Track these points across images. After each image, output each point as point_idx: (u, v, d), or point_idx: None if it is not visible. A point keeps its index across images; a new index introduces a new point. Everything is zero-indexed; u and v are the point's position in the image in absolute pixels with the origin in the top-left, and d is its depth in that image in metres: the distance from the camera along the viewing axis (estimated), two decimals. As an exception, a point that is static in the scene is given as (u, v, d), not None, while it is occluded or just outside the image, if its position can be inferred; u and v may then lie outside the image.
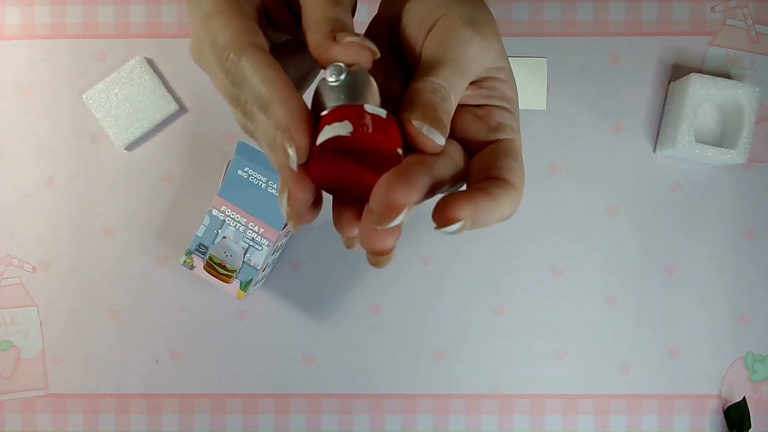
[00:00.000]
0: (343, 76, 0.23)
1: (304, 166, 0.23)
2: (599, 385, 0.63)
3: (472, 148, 0.26)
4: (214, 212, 0.55)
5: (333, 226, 0.63)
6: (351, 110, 0.22)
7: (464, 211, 0.21)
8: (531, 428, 0.63)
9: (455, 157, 0.24)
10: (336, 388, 0.63)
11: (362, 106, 0.22)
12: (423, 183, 0.21)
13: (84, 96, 0.63)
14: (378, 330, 0.64)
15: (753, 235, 0.63)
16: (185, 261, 0.55)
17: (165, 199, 0.64)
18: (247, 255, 0.55)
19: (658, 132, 0.64)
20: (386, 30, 0.28)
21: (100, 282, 0.64)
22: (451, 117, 0.23)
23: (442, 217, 0.21)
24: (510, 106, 0.27)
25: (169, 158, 0.64)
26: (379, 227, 0.20)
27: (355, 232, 0.24)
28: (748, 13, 0.63)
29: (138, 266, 0.64)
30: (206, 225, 0.55)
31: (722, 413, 0.63)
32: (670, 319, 0.63)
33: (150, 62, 0.64)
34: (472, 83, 0.27)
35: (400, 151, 0.23)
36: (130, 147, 0.64)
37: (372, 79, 0.24)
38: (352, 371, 0.63)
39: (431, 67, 0.24)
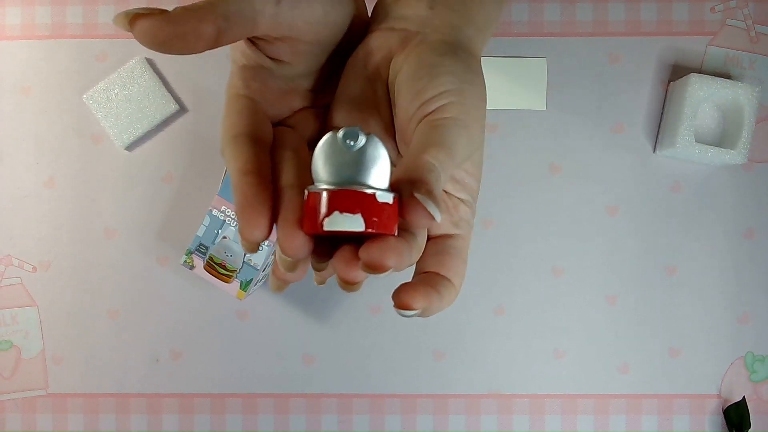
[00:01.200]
0: (362, 142, 0.22)
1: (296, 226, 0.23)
2: (599, 384, 0.63)
3: (430, 232, 0.28)
4: (215, 212, 0.55)
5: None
6: (364, 201, 0.22)
7: (420, 303, 0.24)
8: (531, 428, 0.63)
9: (420, 246, 0.26)
10: (336, 388, 0.63)
11: (374, 196, 0.22)
12: (407, 254, 0.23)
13: (84, 96, 0.63)
14: (378, 330, 0.64)
15: (753, 235, 0.63)
16: (185, 261, 0.56)
17: (165, 199, 0.64)
18: (248, 255, 0.55)
19: (658, 132, 0.64)
20: (374, 66, 0.28)
21: (101, 282, 0.64)
22: None
23: (402, 303, 0.24)
24: (472, 200, 0.29)
25: (169, 158, 0.64)
26: (362, 271, 0.22)
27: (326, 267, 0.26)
28: (747, 13, 0.63)
29: (138, 266, 0.64)
30: (206, 225, 0.55)
31: (722, 413, 0.63)
32: (669, 319, 0.63)
33: (150, 62, 0.64)
34: None
35: (395, 232, 0.23)
36: (130, 147, 0.64)
37: (386, 151, 0.23)
38: (352, 371, 0.63)
39: (428, 147, 0.24)
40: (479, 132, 0.27)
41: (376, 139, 0.23)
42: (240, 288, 0.55)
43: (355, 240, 0.23)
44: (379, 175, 0.22)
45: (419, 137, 0.25)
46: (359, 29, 0.30)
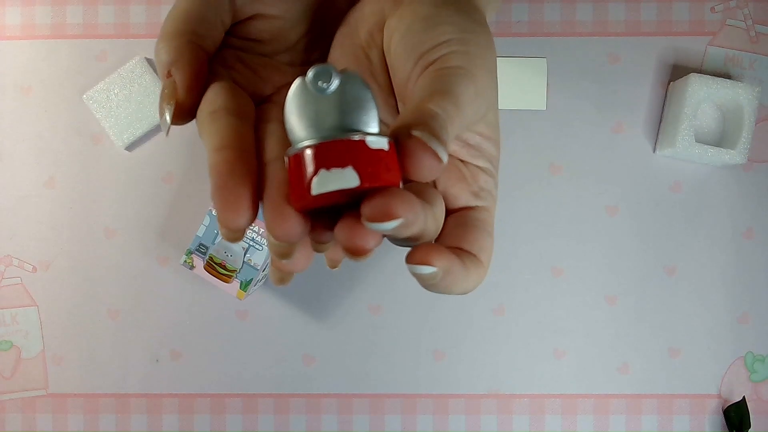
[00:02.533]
0: (335, 82, 0.19)
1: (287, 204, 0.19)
2: (599, 384, 0.63)
3: (449, 205, 0.25)
4: (215, 212, 0.55)
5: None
6: (352, 149, 0.18)
7: (441, 261, 0.21)
8: (530, 428, 0.63)
9: (438, 215, 0.23)
10: (336, 388, 0.63)
11: (364, 142, 0.18)
12: (420, 208, 0.20)
13: (84, 96, 0.63)
14: (378, 330, 0.64)
15: (752, 234, 0.63)
16: (185, 261, 0.56)
17: (165, 199, 0.64)
18: (248, 255, 0.55)
19: (658, 132, 0.64)
20: (368, 31, 0.26)
21: (101, 282, 0.64)
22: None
23: (418, 257, 0.21)
24: (493, 168, 0.26)
25: (169, 158, 0.64)
26: (368, 226, 0.19)
27: (328, 237, 0.22)
28: (747, 13, 0.63)
29: (138, 266, 0.64)
30: (206, 225, 0.55)
31: (722, 413, 0.63)
32: (669, 319, 0.63)
33: (150, 62, 0.64)
34: (458, 139, 0.25)
35: (401, 184, 0.19)
36: (130, 147, 0.64)
37: (369, 87, 0.19)
38: (352, 371, 0.63)
39: (430, 96, 0.21)
40: (489, 86, 0.23)
41: (355, 75, 0.19)
42: (240, 288, 0.55)
43: (357, 207, 0.18)
44: (366, 118, 0.19)
45: (419, 89, 0.22)
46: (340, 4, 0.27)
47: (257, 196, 0.20)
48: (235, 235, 0.21)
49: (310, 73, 0.19)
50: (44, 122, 0.64)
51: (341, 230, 0.19)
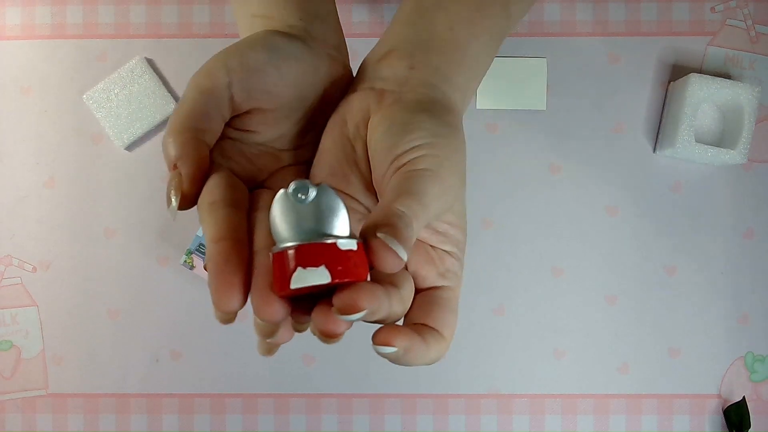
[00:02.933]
0: (312, 194, 0.22)
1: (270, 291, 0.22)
2: (599, 384, 0.63)
3: (418, 285, 0.28)
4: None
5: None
6: (325, 251, 0.21)
7: (401, 341, 0.24)
8: (530, 428, 0.63)
9: (406, 296, 0.26)
10: (336, 388, 0.63)
11: (335, 245, 0.21)
12: (384, 297, 0.23)
13: (84, 96, 0.63)
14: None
15: (752, 234, 0.63)
16: (186, 261, 0.56)
17: (165, 198, 0.64)
18: (248, 255, 0.55)
19: (658, 132, 0.64)
20: (347, 132, 0.29)
21: (101, 282, 0.64)
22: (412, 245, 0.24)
23: (381, 339, 0.24)
24: (459, 252, 0.29)
25: (169, 158, 0.64)
26: (338, 317, 0.22)
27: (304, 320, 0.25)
28: (747, 13, 0.63)
29: (138, 266, 0.64)
30: (206, 225, 0.55)
31: (722, 413, 0.63)
32: (669, 319, 0.63)
33: (150, 62, 0.64)
34: (428, 227, 0.28)
35: (368, 278, 0.23)
36: (130, 147, 0.64)
37: (340, 198, 0.23)
38: (352, 371, 0.63)
39: (398, 196, 0.24)
40: (455, 182, 0.26)
41: (328, 188, 0.22)
42: (240, 288, 0.55)
43: (331, 295, 0.22)
44: (338, 223, 0.22)
45: (390, 189, 0.25)
46: (341, 85, 0.31)
47: (248, 284, 0.23)
48: (229, 317, 0.24)
49: (291, 187, 0.22)
50: (44, 122, 0.64)
51: (317, 317, 0.22)
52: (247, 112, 0.28)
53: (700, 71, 0.63)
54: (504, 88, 0.63)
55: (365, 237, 0.22)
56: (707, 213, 0.63)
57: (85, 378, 0.64)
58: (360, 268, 0.22)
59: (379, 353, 0.24)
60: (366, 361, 0.63)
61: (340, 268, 0.21)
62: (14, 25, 0.64)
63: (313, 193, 0.22)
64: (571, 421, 0.63)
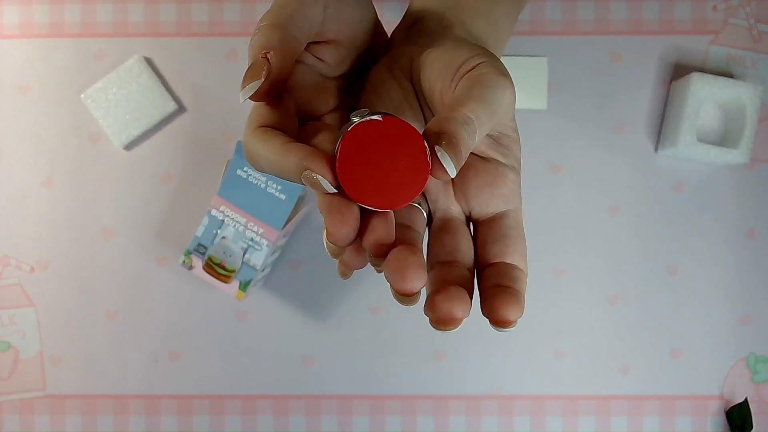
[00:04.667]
0: (373, 117, 0.24)
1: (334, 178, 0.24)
2: (600, 385, 0.63)
3: (481, 211, 0.28)
4: (213, 212, 0.55)
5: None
6: (379, 115, 0.24)
7: (518, 313, 0.25)
8: (532, 429, 0.63)
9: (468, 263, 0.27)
10: (336, 389, 0.63)
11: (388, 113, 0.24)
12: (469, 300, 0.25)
13: (82, 95, 0.63)
14: (378, 331, 0.63)
15: (755, 234, 0.63)
16: (184, 261, 0.55)
17: (164, 198, 0.64)
18: (247, 255, 0.55)
19: (660, 131, 0.63)
20: (406, 67, 0.30)
21: (99, 282, 0.63)
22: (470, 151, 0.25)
23: (501, 320, 0.25)
24: (518, 167, 0.29)
25: (167, 158, 0.64)
26: (405, 302, 0.24)
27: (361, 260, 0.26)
28: (750, 12, 0.63)
29: (137, 266, 0.63)
30: (205, 225, 0.55)
31: (724, 414, 0.62)
32: (671, 320, 0.63)
33: (149, 61, 0.63)
34: (490, 136, 0.28)
35: (426, 144, 0.24)
36: (128, 146, 0.64)
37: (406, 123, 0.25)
38: (352, 372, 0.63)
39: (464, 101, 0.24)
40: (512, 97, 0.27)
41: (393, 116, 0.24)
42: (239, 288, 0.55)
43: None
44: None
45: (458, 93, 0.25)
46: (381, 42, 0.32)
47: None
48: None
49: (360, 112, 0.24)
50: (42, 121, 0.64)
51: (393, 266, 0.24)
52: (327, 42, 0.28)
53: (702, 70, 0.63)
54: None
55: (427, 139, 0.23)
56: (709, 213, 0.63)
57: (83, 379, 0.63)
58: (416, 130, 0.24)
59: (500, 331, 0.25)
60: (366, 361, 0.63)
61: (391, 116, 0.24)
62: (12, 24, 0.63)
63: (373, 116, 0.24)
64: (573, 422, 0.63)
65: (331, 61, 0.29)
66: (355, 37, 0.29)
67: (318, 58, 0.29)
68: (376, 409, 0.63)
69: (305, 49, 0.28)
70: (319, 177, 0.23)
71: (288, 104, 0.27)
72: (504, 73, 0.26)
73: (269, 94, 0.25)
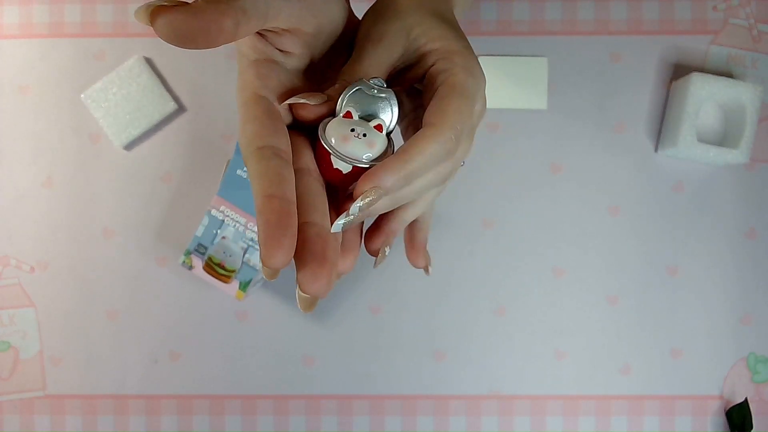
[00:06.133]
0: (384, 93, 0.28)
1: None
2: (600, 385, 0.63)
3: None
4: (213, 212, 0.55)
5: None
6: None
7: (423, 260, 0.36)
8: (532, 429, 0.63)
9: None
10: (336, 389, 0.63)
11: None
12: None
13: (82, 95, 0.63)
14: (378, 330, 0.63)
15: (755, 234, 0.63)
16: (184, 261, 0.55)
17: (164, 198, 0.64)
18: (247, 255, 0.55)
19: (660, 131, 0.63)
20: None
21: (99, 282, 0.63)
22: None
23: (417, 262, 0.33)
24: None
25: (168, 158, 0.63)
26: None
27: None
28: (750, 12, 0.63)
29: (137, 266, 0.63)
30: (205, 225, 0.55)
31: (724, 414, 0.62)
32: (671, 320, 0.63)
33: (149, 61, 0.63)
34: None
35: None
36: (128, 146, 0.64)
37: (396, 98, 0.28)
38: (352, 372, 0.63)
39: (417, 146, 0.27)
40: (481, 105, 0.31)
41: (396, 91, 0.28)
42: (239, 288, 0.55)
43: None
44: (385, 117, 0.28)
45: (429, 117, 0.28)
46: (350, 32, 0.32)
47: (293, 244, 0.24)
48: (275, 273, 0.26)
49: (371, 80, 0.28)
50: (42, 121, 0.64)
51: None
52: (288, 30, 0.28)
53: (702, 70, 0.63)
54: (505, 88, 0.63)
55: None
56: (709, 213, 0.63)
57: (83, 379, 0.63)
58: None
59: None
60: (366, 362, 0.63)
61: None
62: (12, 23, 0.63)
63: (385, 91, 0.28)
64: (573, 422, 0.63)
65: (297, 52, 0.29)
66: (320, 25, 0.29)
67: (282, 50, 0.29)
68: (376, 409, 0.63)
69: (271, 42, 0.28)
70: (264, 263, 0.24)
71: (275, 115, 0.27)
72: (472, 77, 0.29)
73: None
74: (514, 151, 0.63)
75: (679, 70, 0.63)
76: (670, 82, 0.63)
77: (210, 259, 0.55)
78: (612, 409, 0.63)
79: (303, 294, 0.26)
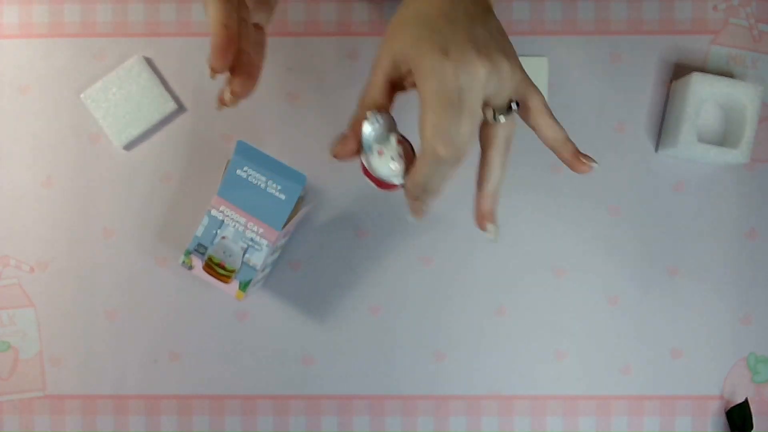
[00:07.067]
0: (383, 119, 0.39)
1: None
2: (600, 386, 0.63)
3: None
4: (213, 212, 0.55)
5: (332, 227, 0.63)
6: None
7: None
8: (532, 429, 0.63)
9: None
10: (336, 389, 0.63)
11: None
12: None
13: (82, 95, 0.63)
14: (378, 330, 0.63)
15: (755, 235, 0.63)
16: (184, 261, 0.55)
17: (164, 199, 0.63)
18: (247, 255, 0.54)
19: (660, 131, 0.63)
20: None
21: (99, 282, 0.63)
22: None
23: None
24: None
25: (167, 158, 0.63)
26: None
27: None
28: (750, 11, 0.63)
29: (136, 266, 0.63)
30: (205, 225, 0.55)
31: (724, 414, 0.62)
32: (671, 320, 0.63)
33: (148, 61, 0.63)
34: None
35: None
36: (128, 146, 0.63)
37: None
38: (352, 372, 0.63)
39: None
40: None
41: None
42: (239, 288, 0.55)
43: None
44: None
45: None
46: None
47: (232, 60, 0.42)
48: (214, 75, 0.42)
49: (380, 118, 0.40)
50: (42, 121, 0.63)
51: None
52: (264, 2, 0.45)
53: (703, 70, 0.63)
54: (505, 87, 0.63)
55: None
56: (709, 213, 0.63)
57: (82, 379, 0.63)
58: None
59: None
60: (366, 362, 0.63)
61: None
62: (11, 23, 0.63)
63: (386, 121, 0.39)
64: (573, 422, 0.63)
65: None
66: None
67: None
68: (376, 409, 0.63)
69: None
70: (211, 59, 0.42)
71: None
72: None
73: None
74: (514, 151, 0.62)
75: (679, 70, 0.63)
76: (671, 82, 0.63)
77: (210, 259, 0.55)
78: (612, 409, 0.63)
79: (228, 96, 0.45)
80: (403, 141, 0.40)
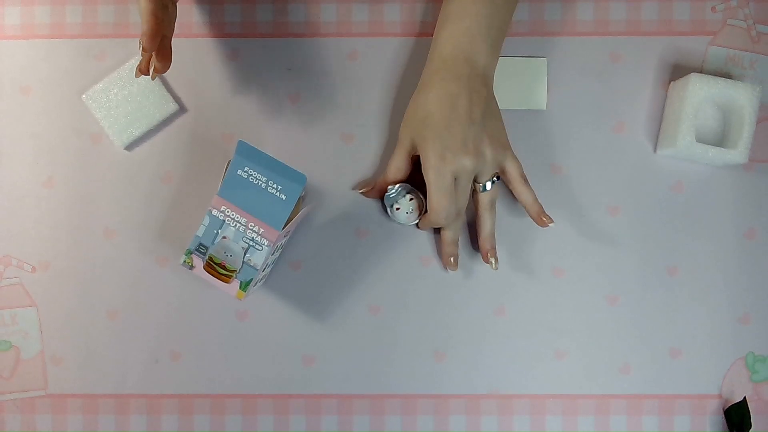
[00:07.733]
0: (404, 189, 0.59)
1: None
2: (600, 385, 0.63)
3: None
4: (214, 212, 0.55)
5: (332, 227, 0.63)
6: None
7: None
8: (531, 428, 0.63)
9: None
10: (336, 389, 0.63)
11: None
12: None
13: (83, 96, 0.63)
14: (378, 330, 0.63)
15: (754, 235, 0.63)
16: (185, 261, 0.55)
17: (165, 199, 0.64)
18: (247, 255, 0.55)
19: (659, 132, 0.64)
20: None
21: (100, 282, 0.64)
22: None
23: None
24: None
25: (168, 158, 0.64)
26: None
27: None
28: (748, 12, 0.63)
29: (137, 266, 0.64)
30: (206, 225, 0.55)
31: (723, 413, 0.63)
32: (670, 319, 0.63)
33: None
34: None
35: None
36: (129, 147, 0.64)
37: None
38: (352, 371, 0.63)
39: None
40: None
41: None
42: (239, 288, 0.55)
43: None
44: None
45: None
46: None
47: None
48: (147, 53, 0.51)
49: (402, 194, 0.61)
50: (43, 122, 0.64)
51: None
52: None
53: (701, 71, 0.63)
54: (504, 88, 0.63)
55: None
56: (708, 213, 0.63)
57: (84, 378, 0.63)
58: None
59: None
60: (366, 361, 0.63)
61: None
62: (13, 24, 0.64)
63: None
64: (572, 421, 0.63)
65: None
66: None
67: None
68: (376, 409, 0.63)
69: None
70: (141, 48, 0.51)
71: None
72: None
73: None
74: (514, 151, 0.63)
75: (677, 71, 0.63)
76: (669, 82, 0.63)
77: (211, 258, 0.55)
78: (611, 408, 0.63)
79: (153, 73, 0.54)
80: (416, 196, 0.60)
